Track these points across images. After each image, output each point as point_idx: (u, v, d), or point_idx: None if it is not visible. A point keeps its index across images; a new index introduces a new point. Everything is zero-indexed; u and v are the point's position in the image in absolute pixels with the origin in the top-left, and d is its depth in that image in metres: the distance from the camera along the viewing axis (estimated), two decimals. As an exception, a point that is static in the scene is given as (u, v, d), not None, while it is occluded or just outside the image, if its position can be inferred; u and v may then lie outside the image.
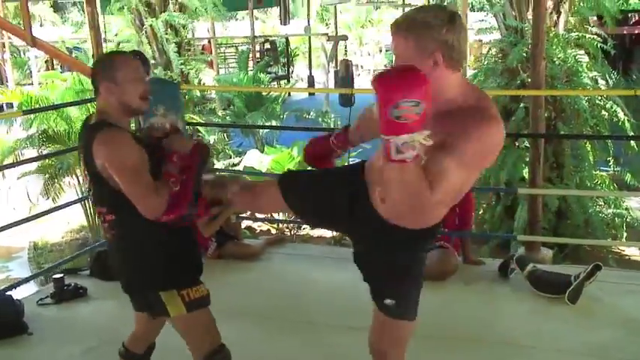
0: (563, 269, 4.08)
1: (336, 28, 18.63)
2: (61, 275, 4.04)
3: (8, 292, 3.90)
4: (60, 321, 3.79)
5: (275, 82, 15.69)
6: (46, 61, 16.91)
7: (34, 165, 6.74)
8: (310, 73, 17.45)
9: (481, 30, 7.26)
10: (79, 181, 7.11)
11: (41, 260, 7.30)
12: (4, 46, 16.16)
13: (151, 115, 4.59)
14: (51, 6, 22.19)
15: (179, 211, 2.30)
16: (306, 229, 7.39)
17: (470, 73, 8.28)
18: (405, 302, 2.15)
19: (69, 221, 7.93)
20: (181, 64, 7.83)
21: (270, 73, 13.54)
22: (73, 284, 4.06)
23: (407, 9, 20.80)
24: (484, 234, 6.11)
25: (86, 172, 2.33)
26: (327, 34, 14.78)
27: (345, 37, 13.85)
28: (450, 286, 4.01)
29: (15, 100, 7.39)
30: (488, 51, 6.70)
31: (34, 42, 5.25)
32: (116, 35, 8.35)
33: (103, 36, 15.55)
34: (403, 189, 1.73)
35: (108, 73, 2.33)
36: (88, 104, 6.94)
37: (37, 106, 6.91)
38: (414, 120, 1.58)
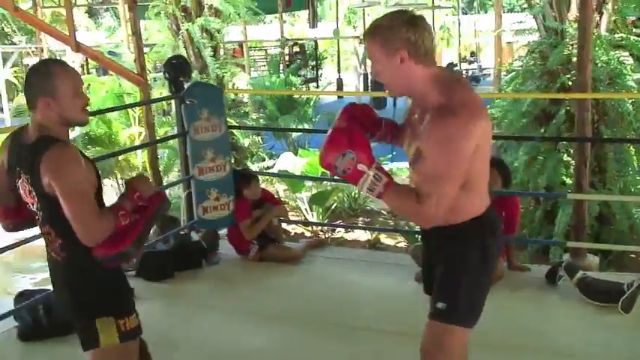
0: (611, 276, 4.02)
1: (364, 29, 18.57)
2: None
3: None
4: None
5: (304, 85, 15.74)
6: (81, 66, 17.14)
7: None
8: (339, 75, 17.48)
9: (519, 32, 7.18)
10: (119, 184, 7.20)
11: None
12: (43, 51, 16.41)
13: (195, 119, 4.65)
14: (86, 12, 22.52)
15: (116, 248, 2.15)
16: (340, 232, 7.38)
17: (505, 75, 8.22)
18: (456, 304, 2.13)
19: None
20: (217, 67, 7.88)
21: (299, 76, 13.58)
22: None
23: (436, 12, 20.73)
24: (530, 239, 6.03)
25: (33, 193, 2.18)
26: (358, 37, 14.77)
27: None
28: (496, 293, 3.91)
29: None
30: (528, 53, 6.61)
31: (78, 47, 5.33)
32: (147, 39, 8.44)
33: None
34: (402, 211, 2.15)
35: (45, 87, 2.15)
36: (129, 109, 7.09)
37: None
38: (353, 166, 1.97)
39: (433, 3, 18.71)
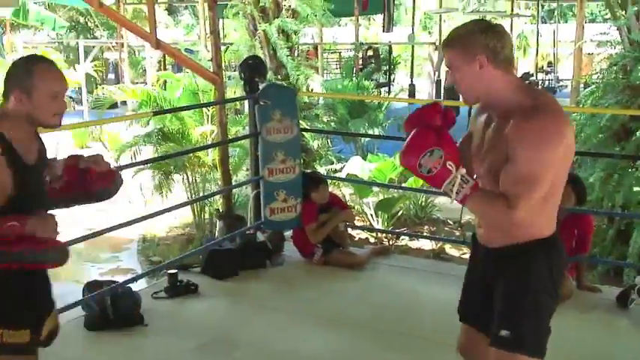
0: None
1: (440, 36, 18.37)
2: (176, 271, 4.18)
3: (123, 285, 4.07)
4: (173, 315, 3.92)
5: (376, 90, 15.70)
6: (159, 62, 17.62)
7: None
8: (411, 81, 17.33)
9: (602, 43, 6.96)
10: (188, 180, 7.35)
11: (149, 253, 7.57)
12: (123, 46, 16.94)
13: (267, 120, 4.70)
14: (165, 9, 23.12)
15: None
16: (404, 240, 7.32)
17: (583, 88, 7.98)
18: (522, 332, 2.02)
19: (175, 216, 8.18)
20: (292, 68, 7.94)
21: (372, 80, 13.53)
22: (185, 280, 4.18)
23: (515, 20, 20.31)
24: (601, 259, 5.83)
25: None
26: (434, 42, 14.62)
27: (452, 47, 13.62)
28: (564, 313, 3.80)
29: (134, 99, 7.70)
30: (610, 66, 6.40)
31: (158, 44, 5.46)
32: (224, 38, 8.60)
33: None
34: (489, 216, 2.05)
35: (22, 82, 2.13)
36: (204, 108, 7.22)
37: (156, 104, 7.20)
38: (441, 165, 1.92)
39: (512, 11, 18.33)
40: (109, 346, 3.54)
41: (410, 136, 1.99)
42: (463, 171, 1.93)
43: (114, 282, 4.01)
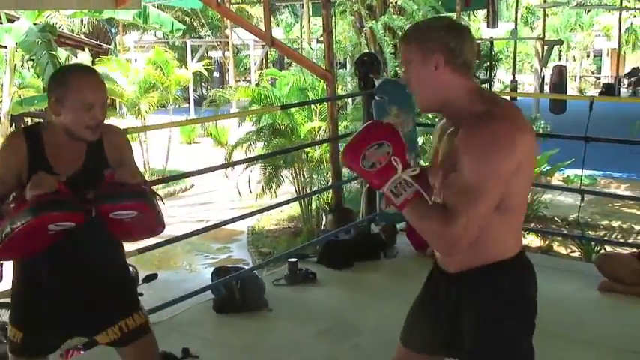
0: None
1: (543, 31, 17.92)
2: (295, 260, 4.35)
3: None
4: (294, 301, 4.08)
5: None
6: (262, 60, 18.12)
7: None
8: (514, 77, 16.97)
9: None
10: (296, 174, 7.56)
11: (259, 244, 7.85)
12: (227, 45, 17.51)
13: (384, 115, 4.80)
14: (267, 8, 23.68)
15: None
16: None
17: None
18: None
19: (282, 210, 8.43)
20: (396, 65, 8.00)
21: (476, 77, 13.37)
22: (304, 269, 4.34)
23: (624, 13, 19.51)
24: None
25: None
26: (541, 37, 14.27)
27: (560, 42, 13.35)
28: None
29: (246, 97, 8.00)
30: None
31: (273, 42, 5.67)
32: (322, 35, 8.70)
33: (315, 37, 16.18)
34: (424, 230, 1.74)
35: (57, 90, 2.10)
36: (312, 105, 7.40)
37: (266, 101, 7.44)
38: (387, 162, 1.71)
39: (621, 4, 17.63)
40: (237, 328, 3.73)
41: (360, 130, 1.84)
42: (410, 173, 1.71)
43: (240, 268, 4.21)
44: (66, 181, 2.07)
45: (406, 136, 4.85)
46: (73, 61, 9.33)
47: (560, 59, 26.77)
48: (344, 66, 9.98)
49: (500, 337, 1.85)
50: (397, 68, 8.09)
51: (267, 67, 17.02)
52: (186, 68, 13.41)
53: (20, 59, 10.10)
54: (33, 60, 9.00)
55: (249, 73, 20.25)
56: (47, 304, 2.23)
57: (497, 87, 18.66)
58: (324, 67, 5.55)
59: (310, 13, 14.32)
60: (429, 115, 9.66)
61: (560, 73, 11.35)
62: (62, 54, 9.04)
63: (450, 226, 1.66)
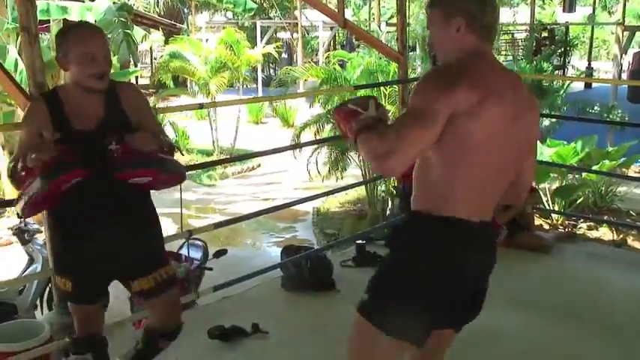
0: None
1: (623, 16, 17.24)
2: (364, 242, 4.35)
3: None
4: (361, 283, 4.03)
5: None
6: (329, 42, 18.11)
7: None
8: (589, 64, 16.44)
9: None
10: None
11: (323, 225, 7.90)
12: (297, 26, 17.56)
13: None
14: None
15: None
16: (582, 229, 7.04)
17: None
18: (372, 301, 1.91)
19: (347, 192, 8.44)
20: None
21: (550, 63, 13.00)
22: (371, 251, 4.34)
23: None
24: None
25: None
26: (621, 22, 13.72)
27: (641, 28, 12.74)
28: None
29: (317, 77, 8.01)
30: None
31: (345, 24, 5.63)
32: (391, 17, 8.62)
33: (384, 20, 16.04)
34: (365, 149, 1.79)
35: (62, 45, 2.26)
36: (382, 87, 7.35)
37: (335, 82, 7.43)
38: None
39: None
40: (305, 306, 3.77)
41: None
42: (370, 113, 1.85)
43: (309, 248, 4.24)
44: (89, 132, 2.25)
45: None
46: (149, 39, 9.53)
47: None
48: (413, 49, 9.85)
49: (390, 278, 1.92)
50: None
51: (334, 49, 17.00)
52: (255, 49, 13.53)
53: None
54: (109, 37, 9.26)
55: (317, 54, 20.28)
56: (85, 252, 2.34)
57: (570, 73, 18.18)
58: (395, 50, 5.49)
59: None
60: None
61: (639, 60, 10.91)
62: (139, 32, 9.26)
63: (381, 141, 1.73)
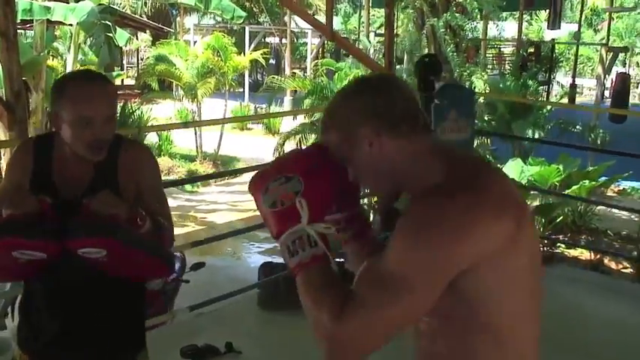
0: None
1: (608, 36, 17.44)
2: (342, 260, 4.32)
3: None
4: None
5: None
6: (319, 50, 18.14)
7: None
8: (574, 81, 16.54)
9: None
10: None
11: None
12: (285, 32, 17.58)
13: (443, 120, 4.72)
14: (326, -3, 23.66)
15: None
16: (561, 247, 7.10)
17: None
18: None
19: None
20: (456, 65, 7.90)
21: (536, 80, 13.10)
22: (350, 269, 4.31)
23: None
24: None
25: None
26: (605, 43, 13.85)
27: (625, 49, 12.94)
28: None
29: (303, 89, 8.01)
30: None
31: (333, 36, 5.63)
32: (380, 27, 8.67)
33: (374, 30, 16.11)
34: (310, 311, 1.23)
35: (56, 100, 1.75)
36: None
37: (322, 94, 7.44)
38: (292, 202, 1.22)
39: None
40: (281, 325, 3.72)
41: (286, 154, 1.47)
42: (319, 227, 1.24)
43: (287, 265, 4.21)
44: (70, 201, 1.74)
45: (464, 142, 4.81)
46: (135, 42, 9.47)
47: (624, 65, 26.06)
48: (401, 61, 9.88)
49: None
50: (458, 68, 7.99)
51: (323, 57, 17.01)
52: (244, 55, 13.50)
53: (83, 38, 10.32)
54: (91, 40, 9.20)
55: (305, 61, 20.29)
56: (45, 333, 1.92)
57: (556, 90, 18.31)
58: (382, 64, 5.50)
59: (370, 4, 14.22)
60: (485, 117, 9.54)
61: (623, 81, 11.04)
62: (124, 35, 9.18)
63: (337, 322, 1.18)
